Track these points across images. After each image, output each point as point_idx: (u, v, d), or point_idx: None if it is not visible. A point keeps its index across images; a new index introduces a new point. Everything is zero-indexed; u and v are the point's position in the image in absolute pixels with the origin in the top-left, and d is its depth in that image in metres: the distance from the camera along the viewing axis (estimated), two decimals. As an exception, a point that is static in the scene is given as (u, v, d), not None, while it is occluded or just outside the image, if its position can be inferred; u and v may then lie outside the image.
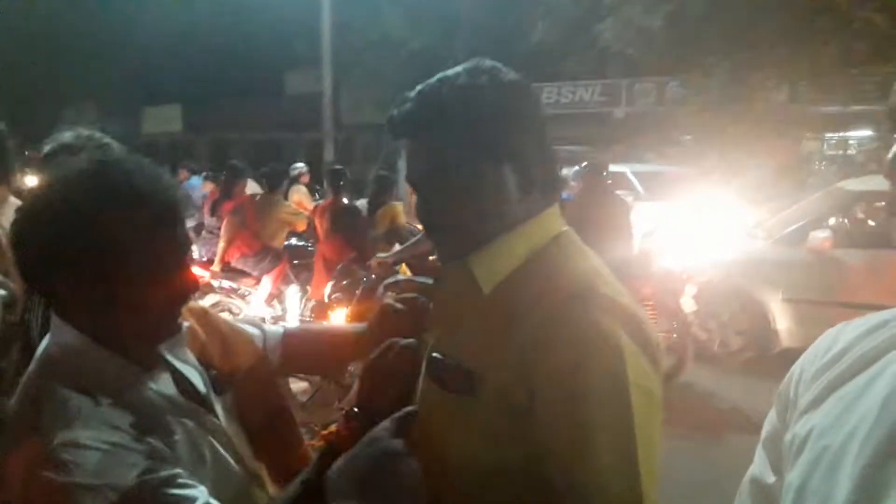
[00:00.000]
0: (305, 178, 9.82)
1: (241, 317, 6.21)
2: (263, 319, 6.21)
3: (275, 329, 1.44)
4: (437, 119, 1.09)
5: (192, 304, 1.36)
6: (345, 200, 6.33)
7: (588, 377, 0.97)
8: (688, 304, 5.52)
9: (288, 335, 1.44)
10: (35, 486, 0.96)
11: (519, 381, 1.01)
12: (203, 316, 1.33)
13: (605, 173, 5.95)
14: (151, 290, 1.05)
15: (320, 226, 6.20)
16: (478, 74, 1.10)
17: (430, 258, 4.79)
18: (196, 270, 6.25)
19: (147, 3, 16.90)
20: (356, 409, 1.14)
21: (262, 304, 6.34)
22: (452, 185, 1.09)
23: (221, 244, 6.68)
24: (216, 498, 1.06)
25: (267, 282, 6.39)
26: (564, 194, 6.89)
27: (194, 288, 1.13)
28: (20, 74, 15.73)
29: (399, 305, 1.32)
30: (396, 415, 1.05)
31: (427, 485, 1.11)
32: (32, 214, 1.03)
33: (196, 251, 7.41)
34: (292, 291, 6.39)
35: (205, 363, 1.26)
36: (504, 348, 1.03)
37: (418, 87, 1.12)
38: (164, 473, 1.00)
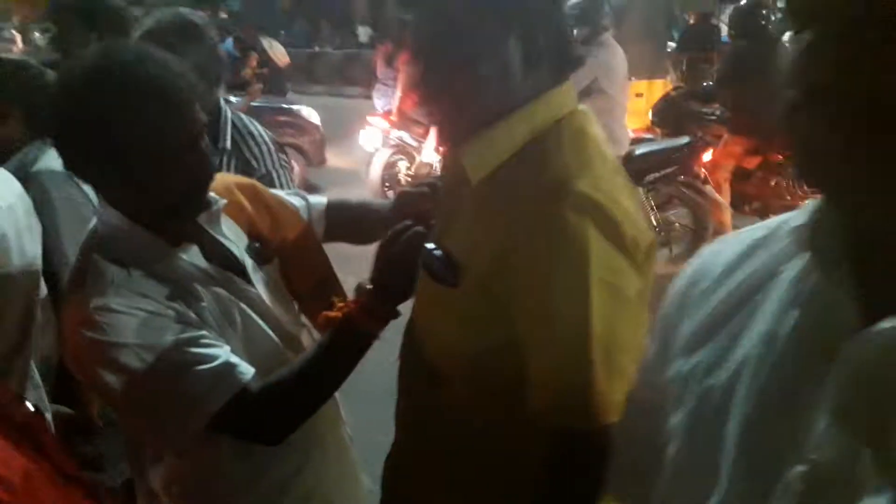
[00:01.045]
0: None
1: (415, 164, 6.51)
2: (432, 166, 6.43)
3: (319, 201, 1.46)
4: None
5: (241, 180, 1.41)
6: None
7: (550, 272, 0.92)
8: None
9: (330, 207, 1.45)
10: (79, 344, 1.08)
11: (496, 273, 0.97)
12: (251, 191, 1.37)
13: (767, 12, 5.21)
14: (168, 174, 1.08)
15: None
16: None
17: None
18: (374, 121, 6.58)
19: None
20: (369, 286, 1.15)
21: (431, 153, 6.47)
22: (452, 55, 1.01)
23: (398, 94, 6.81)
24: (246, 359, 1.13)
25: (433, 132, 6.49)
26: (724, 38, 6.15)
27: (210, 169, 1.15)
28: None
29: (420, 188, 1.29)
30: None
31: (422, 370, 1.12)
32: (55, 110, 1.09)
33: (376, 103, 7.63)
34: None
35: (254, 235, 1.31)
36: (485, 241, 0.99)
37: None
38: (188, 335, 1.08)
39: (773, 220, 0.67)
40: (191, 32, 1.75)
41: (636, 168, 4.62)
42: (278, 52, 8.74)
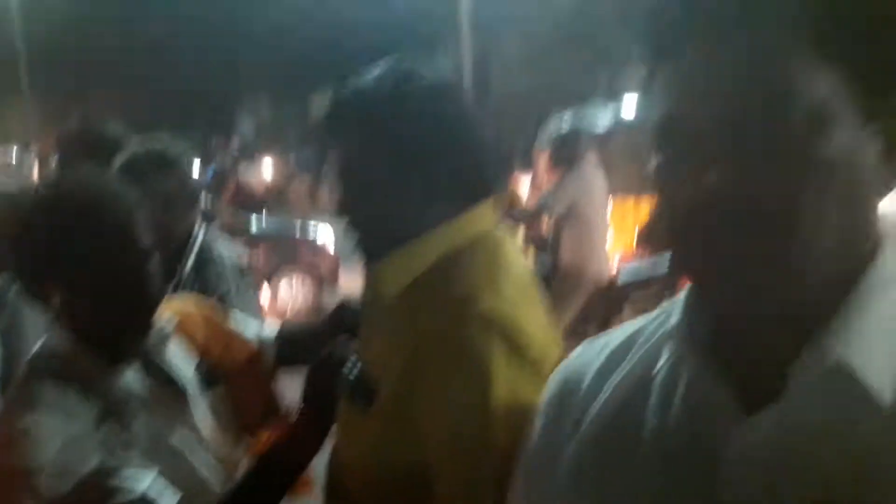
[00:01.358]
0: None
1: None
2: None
3: (272, 327, 1.50)
4: (342, 125, 1.08)
5: (197, 302, 1.46)
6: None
7: (454, 393, 0.93)
8: None
9: (282, 332, 1.49)
10: (1, 466, 1.07)
11: (406, 393, 0.98)
12: (206, 314, 1.42)
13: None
14: (110, 296, 1.13)
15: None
16: (385, 81, 1.05)
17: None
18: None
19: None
20: (301, 405, 1.15)
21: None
22: (357, 188, 1.08)
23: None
24: (177, 484, 1.11)
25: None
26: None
27: (155, 293, 1.18)
28: (199, 68, 15.24)
29: (352, 304, 1.33)
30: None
31: (341, 497, 1.11)
32: (12, 238, 1.15)
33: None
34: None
35: (205, 358, 1.34)
36: (395, 360, 1.01)
37: (333, 91, 1.10)
38: (109, 464, 1.06)
39: (639, 321, 0.70)
40: (162, 163, 1.85)
41: (622, 290, 4.66)
42: (253, 182, 9.13)
